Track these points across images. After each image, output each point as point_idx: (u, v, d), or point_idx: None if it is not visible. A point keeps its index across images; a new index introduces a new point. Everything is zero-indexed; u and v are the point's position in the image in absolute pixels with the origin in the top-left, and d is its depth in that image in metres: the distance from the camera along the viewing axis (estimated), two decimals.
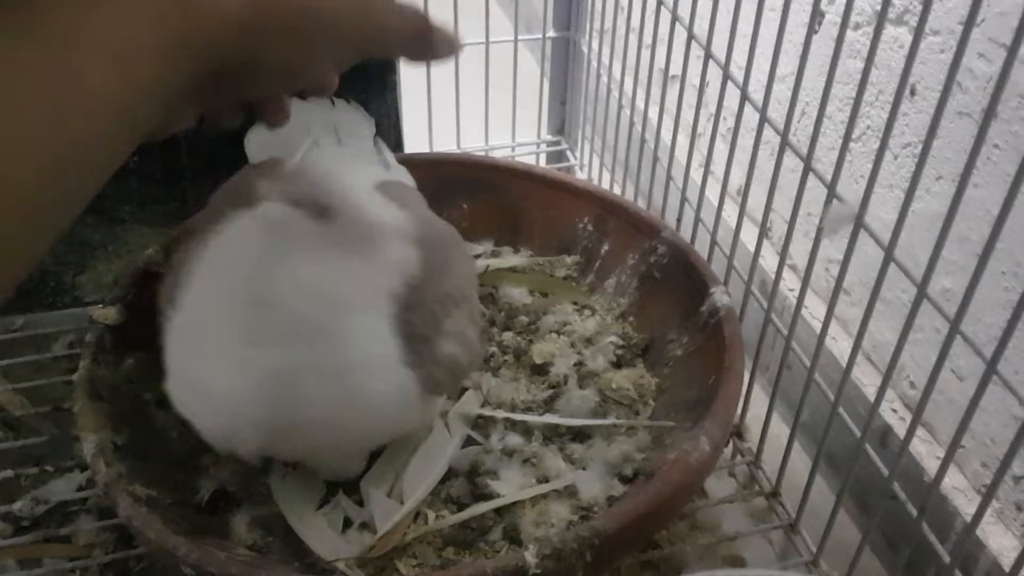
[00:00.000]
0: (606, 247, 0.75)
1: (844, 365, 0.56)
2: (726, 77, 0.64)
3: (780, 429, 0.71)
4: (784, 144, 0.58)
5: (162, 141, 0.81)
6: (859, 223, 0.51)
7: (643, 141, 0.82)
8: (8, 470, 0.68)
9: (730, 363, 0.60)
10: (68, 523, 0.66)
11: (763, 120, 0.60)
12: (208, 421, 0.53)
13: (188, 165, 0.82)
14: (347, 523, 0.58)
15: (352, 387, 0.51)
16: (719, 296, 0.65)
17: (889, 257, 0.49)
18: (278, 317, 0.49)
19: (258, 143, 0.67)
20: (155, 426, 0.62)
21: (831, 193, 0.53)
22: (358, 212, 0.52)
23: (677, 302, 0.69)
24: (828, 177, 0.54)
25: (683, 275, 0.69)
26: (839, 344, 0.75)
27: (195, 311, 0.53)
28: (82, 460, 0.69)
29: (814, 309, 0.77)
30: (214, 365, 0.51)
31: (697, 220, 0.72)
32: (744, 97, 0.62)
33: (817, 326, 0.60)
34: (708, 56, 0.66)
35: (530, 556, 0.49)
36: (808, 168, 0.56)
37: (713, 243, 0.70)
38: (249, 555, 0.54)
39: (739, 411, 0.70)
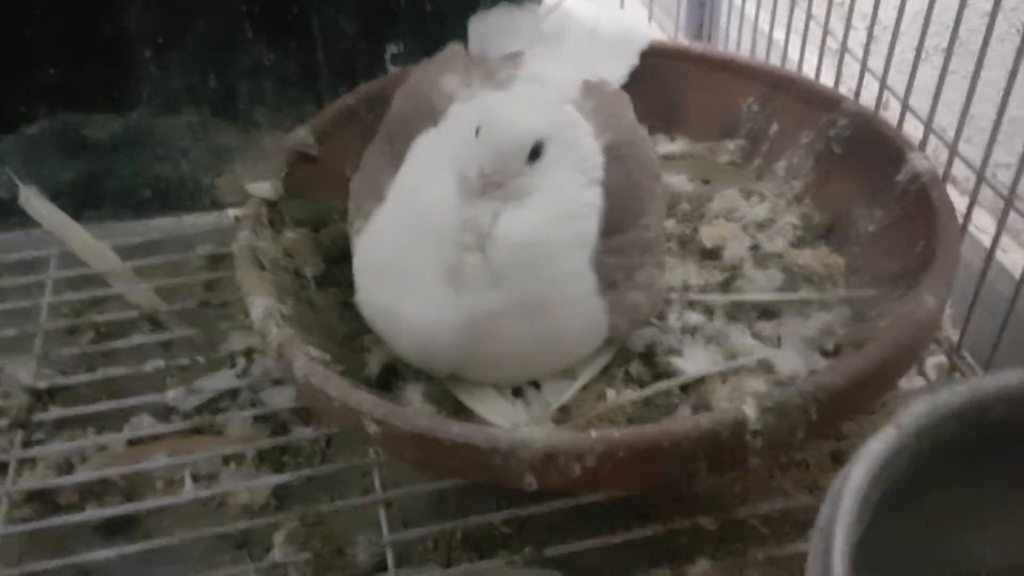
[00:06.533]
0: (775, 127, 0.69)
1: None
2: None
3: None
4: None
5: (297, 38, 0.79)
6: None
7: (808, 18, 0.75)
8: (159, 359, 0.66)
9: (944, 224, 0.54)
10: (220, 414, 0.64)
11: None
12: (402, 344, 0.53)
13: (324, 64, 0.79)
14: (516, 394, 0.55)
15: (548, 325, 0.51)
16: (918, 161, 0.58)
17: None
18: (485, 267, 0.49)
19: (480, 31, 0.68)
20: (315, 304, 0.58)
21: None
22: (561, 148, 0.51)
23: (863, 176, 0.62)
24: None
25: (870, 146, 0.62)
26: (1009, 255, 0.69)
27: (390, 232, 0.52)
28: (232, 354, 0.67)
29: (986, 225, 0.70)
30: (413, 297, 0.51)
31: (883, 85, 0.65)
32: None
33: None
34: None
35: (750, 410, 0.44)
36: None
37: (905, 107, 0.63)
38: None
39: None
